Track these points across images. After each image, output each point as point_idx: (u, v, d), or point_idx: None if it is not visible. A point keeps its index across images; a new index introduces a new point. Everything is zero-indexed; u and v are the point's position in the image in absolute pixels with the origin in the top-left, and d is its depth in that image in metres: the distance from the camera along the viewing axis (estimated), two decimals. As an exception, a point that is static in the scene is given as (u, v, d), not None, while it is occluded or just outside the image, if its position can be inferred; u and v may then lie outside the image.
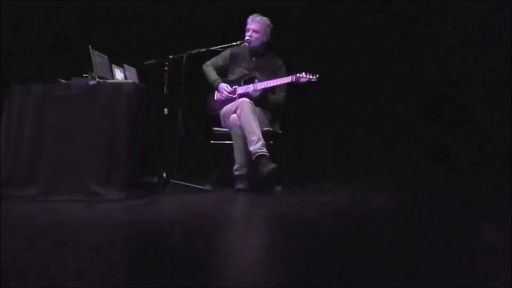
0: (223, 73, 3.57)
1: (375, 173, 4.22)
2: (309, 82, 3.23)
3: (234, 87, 3.45)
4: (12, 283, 1.25)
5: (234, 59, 3.56)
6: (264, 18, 3.48)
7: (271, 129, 3.40)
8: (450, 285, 1.23)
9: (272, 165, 2.98)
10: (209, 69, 3.57)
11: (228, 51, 3.57)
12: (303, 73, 3.23)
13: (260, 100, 3.37)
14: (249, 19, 3.47)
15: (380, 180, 3.93)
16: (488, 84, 4.17)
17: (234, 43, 3.42)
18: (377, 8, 4.53)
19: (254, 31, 3.42)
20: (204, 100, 3.61)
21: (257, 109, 3.29)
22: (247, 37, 3.41)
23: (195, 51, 3.27)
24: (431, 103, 4.46)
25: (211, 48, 3.41)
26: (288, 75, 3.33)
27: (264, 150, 3.06)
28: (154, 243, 1.82)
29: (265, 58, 3.54)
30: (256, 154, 3.04)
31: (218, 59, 3.59)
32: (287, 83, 3.31)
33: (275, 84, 3.34)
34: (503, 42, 4.05)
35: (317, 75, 3.23)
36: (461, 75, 4.30)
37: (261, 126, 3.20)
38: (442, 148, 4.27)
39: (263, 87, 3.35)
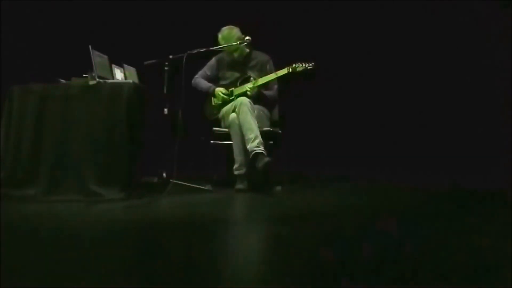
0: (212, 81, 3.59)
1: (376, 172, 4.21)
2: (305, 70, 3.23)
3: (230, 89, 3.47)
4: (12, 283, 1.25)
5: (222, 65, 3.59)
6: (225, 28, 3.49)
7: (271, 129, 3.42)
8: (450, 285, 1.23)
9: (266, 159, 2.99)
10: (198, 80, 3.59)
11: (213, 59, 3.62)
12: (299, 63, 3.24)
13: (258, 97, 3.38)
14: (220, 37, 3.49)
15: (381, 179, 3.93)
16: (489, 84, 4.16)
17: (233, 43, 3.42)
18: (377, 7, 4.53)
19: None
20: (201, 108, 3.63)
21: (257, 109, 3.29)
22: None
23: (195, 51, 3.27)
24: (431, 102, 4.45)
25: (211, 48, 3.42)
26: (283, 67, 3.33)
27: (261, 148, 3.06)
28: (154, 243, 1.82)
29: (252, 57, 3.56)
30: (253, 152, 3.05)
31: (205, 70, 3.62)
32: (284, 75, 3.31)
33: (273, 77, 3.34)
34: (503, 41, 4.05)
35: (313, 63, 3.24)
36: (460, 74, 4.29)
37: (261, 126, 3.22)
38: (443, 147, 4.26)
39: (262, 82, 3.36)
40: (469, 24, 4.19)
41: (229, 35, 3.46)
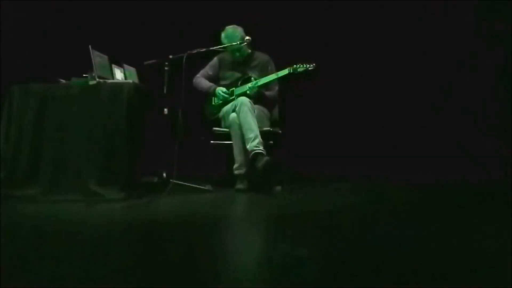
0: (214, 81, 3.59)
1: (376, 172, 4.21)
2: (306, 71, 3.23)
3: (231, 89, 3.47)
4: (12, 283, 1.25)
5: (223, 64, 3.59)
6: (230, 27, 3.50)
7: (271, 129, 3.42)
8: (450, 285, 1.23)
9: (265, 158, 2.99)
10: (200, 79, 3.59)
11: (215, 59, 3.61)
12: (300, 63, 3.24)
13: (258, 97, 3.38)
14: (223, 36, 3.49)
15: (380, 179, 3.93)
16: (488, 84, 4.16)
17: (234, 43, 3.42)
18: (377, 7, 4.53)
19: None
20: (201, 108, 3.63)
21: (257, 109, 3.30)
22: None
23: (195, 51, 3.27)
24: (431, 102, 4.45)
25: (211, 48, 3.42)
26: (283, 68, 3.33)
27: (261, 148, 3.07)
28: (154, 243, 1.82)
29: (253, 57, 3.57)
30: (253, 152, 3.06)
31: (206, 69, 3.62)
32: (284, 75, 3.31)
33: (274, 78, 3.35)
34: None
35: (314, 64, 3.24)
36: (460, 73, 4.29)
37: (261, 126, 3.23)
38: (443, 147, 4.26)
39: (262, 83, 3.36)
40: (468, 24, 4.19)
41: (233, 35, 3.46)
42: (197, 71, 3.62)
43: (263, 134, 3.19)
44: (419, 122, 4.44)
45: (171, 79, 3.24)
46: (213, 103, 3.56)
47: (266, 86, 3.43)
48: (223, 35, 3.49)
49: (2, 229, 2.03)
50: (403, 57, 4.40)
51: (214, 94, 3.52)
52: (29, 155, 2.92)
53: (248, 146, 3.09)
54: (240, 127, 3.17)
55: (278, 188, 3.24)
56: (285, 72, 3.29)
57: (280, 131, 3.50)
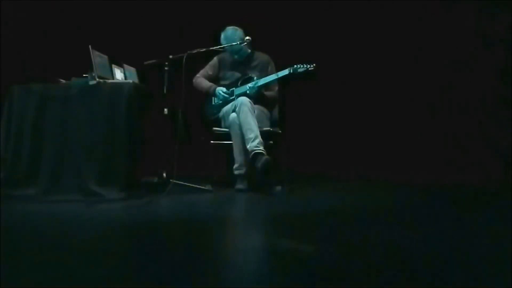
0: (214, 81, 3.59)
1: (376, 172, 4.21)
2: (306, 71, 3.23)
3: (231, 89, 3.47)
4: (12, 283, 1.25)
5: (223, 64, 3.59)
6: (230, 28, 3.50)
7: (271, 129, 3.42)
8: (450, 285, 1.23)
9: (265, 158, 2.99)
10: (200, 79, 3.59)
11: (215, 59, 3.62)
12: (300, 64, 3.24)
13: (258, 98, 3.38)
14: (223, 36, 3.49)
15: (380, 179, 3.93)
16: (489, 83, 4.16)
17: (234, 43, 3.42)
18: (377, 7, 4.52)
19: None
20: (201, 108, 3.63)
21: (257, 109, 3.30)
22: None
23: (195, 51, 3.27)
24: (431, 100, 4.45)
25: (211, 48, 3.42)
26: (284, 68, 3.33)
27: (261, 148, 3.07)
28: (154, 243, 1.82)
29: (253, 57, 3.57)
30: (253, 152, 3.06)
31: (206, 69, 3.62)
32: (285, 76, 3.31)
33: (274, 78, 3.35)
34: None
35: (314, 64, 3.24)
36: (460, 73, 4.29)
37: (261, 126, 3.23)
38: (444, 146, 4.26)
39: (263, 83, 3.36)
40: (468, 24, 4.19)
41: (233, 35, 3.46)
42: (197, 71, 3.62)
43: (263, 134, 3.19)
44: (419, 122, 4.44)
45: (171, 79, 3.24)
46: (213, 103, 3.56)
47: (266, 86, 3.43)
48: (223, 35, 3.50)
49: (2, 229, 2.03)
50: (403, 57, 4.39)
51: (214, 94, 3.52)
52: (29, 155, 2.92)
53: (248, 146, 3.10)
54: (240, 127, 3.17)
55: (278, 188, 3.24)
56: (285, 72, 3.29)
57: (280, 131, 3.50)
